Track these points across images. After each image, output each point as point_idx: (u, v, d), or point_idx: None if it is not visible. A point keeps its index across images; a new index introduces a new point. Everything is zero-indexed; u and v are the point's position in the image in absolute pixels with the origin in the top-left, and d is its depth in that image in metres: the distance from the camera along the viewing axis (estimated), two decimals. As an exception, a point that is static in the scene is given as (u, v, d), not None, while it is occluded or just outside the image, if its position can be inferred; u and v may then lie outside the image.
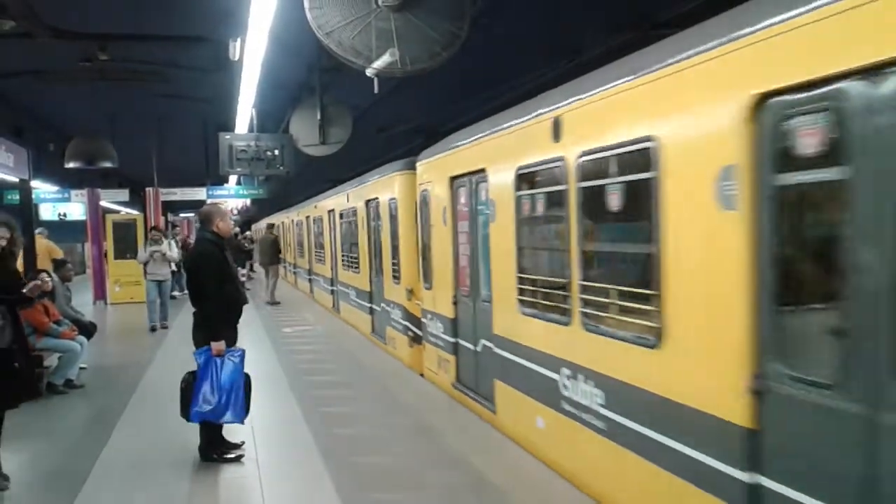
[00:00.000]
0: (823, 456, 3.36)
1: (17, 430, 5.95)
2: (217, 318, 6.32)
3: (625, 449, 4.98)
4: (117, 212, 27.16)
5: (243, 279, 12.38)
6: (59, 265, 11.84)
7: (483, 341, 7.87)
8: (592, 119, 5.44)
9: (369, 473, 6.01)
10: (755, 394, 3.73)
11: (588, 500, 5.35)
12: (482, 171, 7.59)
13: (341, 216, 16.35)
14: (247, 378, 6.46)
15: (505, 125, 7.09)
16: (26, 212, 13.04)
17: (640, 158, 4.72)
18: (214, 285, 6.25)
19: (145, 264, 15.13)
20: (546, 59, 9.18)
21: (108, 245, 20.85)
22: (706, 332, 4.17)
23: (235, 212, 38.01)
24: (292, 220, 28.21)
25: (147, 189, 22.85)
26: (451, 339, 8.94)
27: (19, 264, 7.84)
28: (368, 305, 13.77)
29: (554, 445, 6.16)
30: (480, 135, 7.74)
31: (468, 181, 8.16)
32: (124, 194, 24.38)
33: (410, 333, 10.95)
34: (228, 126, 16.39)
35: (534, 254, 6.71)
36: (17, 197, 13.25)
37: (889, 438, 3.04)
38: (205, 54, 12.03)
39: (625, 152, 4.95)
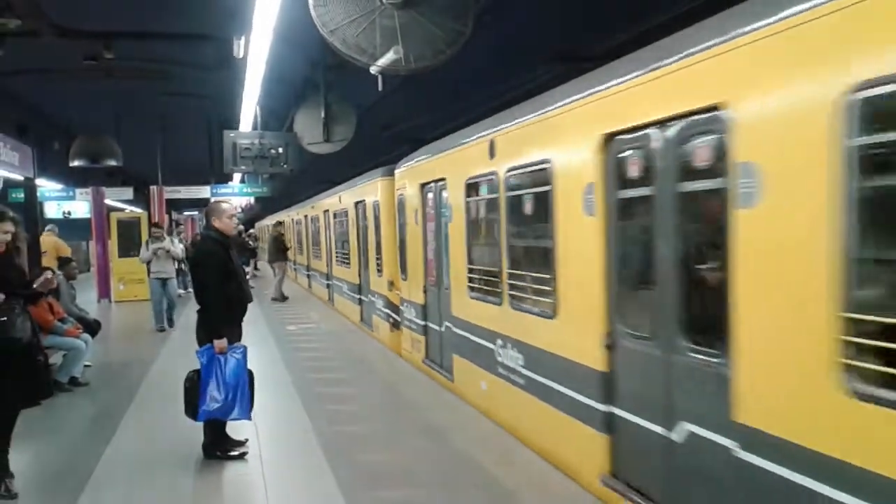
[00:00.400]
0: (645, 386, 4.96)
1: (21, 427, 5.94)
2: (219, 315, 6.32)
3: (535, 397, 6.62)
4: (122, 210, 27.21)
5: (248, 277, 12.43)
6: (63, 263, 11.86)
7: (445, 323, 9.30)
8: (514, 143, 7.00)
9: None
10: (607, 347, 5.36)
11: (512, 439, 6.74)
12: (443, 179, 9.14)
13: (335, 216, 17.77)
14: (250, 374, 6.49)
15: (459, 142, 8.67)
16: (31, 210, 13.07)
17: (542, 175, 6.31)
18: (216, 283, 6.27)
19: (149, 263, 14.67)
20: (548, 59, 9.16)
21: (113, 243, 20.86)
22: (580, 306, 5.78)
23: (239, 210, 38.06)
24: (292, 219, 28.31)
25: (151, 187, 22.90)
26: (422, 323, 10.43)
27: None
28: (358, 297, 15.36)
29: (493, 402, 7.70)
30: (442, 149, 9.33)
31: (434, 187, 9.62)
32: (129, 192, 24.45)
33: (391, 320, 12.39)
34: (233, 124, 16.42)
35: (478, 248, 8.22)
36: (22, 195, 13.27)
37: (677, 372, 4.57)
38: (209, 52, 12.06)
39: (534, 170, 6.52)
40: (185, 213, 42.74)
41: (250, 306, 6.80)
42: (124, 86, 14.70)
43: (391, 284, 12.30)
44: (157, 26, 11.12)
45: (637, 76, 4.87)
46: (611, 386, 5.36)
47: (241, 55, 10.28)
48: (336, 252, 17.90)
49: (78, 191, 22.32)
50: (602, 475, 5.45)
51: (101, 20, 10.81)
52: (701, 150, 4.36)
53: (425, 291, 10.21)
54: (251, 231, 39.54)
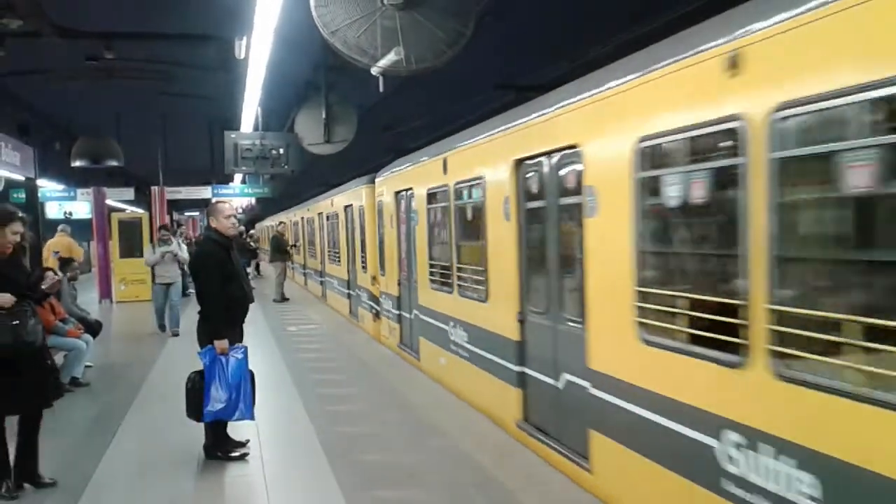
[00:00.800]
0: (543, 350, 6.63)
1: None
2: (219, 316, 6.33)
3: (474, 366, 8.31)
4: (123, 210, 27.24)
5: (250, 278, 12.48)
6: (65, 263, 11.85)
7: (414, 311, 10.97)
8: (460, 162, 8.64)
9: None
10: (520, 322, 7.06)
11: (467, 406, 8.19)
12: (411, 189, 10.71)
13: (327, 218, 19.50)
14: (251, 374, 6.50)
15: (422, 159, 10.32)
16: (32, 210, 13.08)
17: (479, 189, 7.96)
18: (216, 284, 6.29)
19: (153, 266, 14.29)
20: (550, 59, 9.17)
21: (114, 243, 20.86)
22: (503, 291, 7.39)
23: (240, 211, 38.05)
24: (291, 221, 28.47)
25: (153, 188, 22.92)
26: (397, 312, 12.16)
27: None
28: (346, 292, 17.13)
29: (449, 375, 9.30)
30: (410, 164, 11.07)
31: (405, 195, 11.20)
32: (130, 193, 24.47)
33: (374, 311, 14.07)
34: (234, 124, 16.42)
35: (436, 247, 9.79)
36: (24, 195, 13.28)
37: (559, 337, 6.30)
38: (210, 53, 12.05)
39: (473, 184, 8.20)
40: (187, 213, 42.77)
41: (251, 306, 6.81)
42: (125, 86, 14.71)
43: (374, 280, 13.91)
44: (158, 27, 11.13)
45: (533, 118, 6.63)
46: (522, 351, 7.11)
47: (242, 56, 10.29)
48: (329, 251, 19.52)
49: (79, 191, 22.34)
50: (517, 420, 7.13)
51: (102, 21, 10.82)
52: (568, 175, 6.05)
53: (399, 284, 11.87)
54: (252, 232, 39.48)
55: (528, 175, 6.84)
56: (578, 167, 5.64)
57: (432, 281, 9.77)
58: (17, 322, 5.49)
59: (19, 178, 11.76)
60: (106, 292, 20.89)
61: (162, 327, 14.39)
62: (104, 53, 11.36)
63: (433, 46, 7.65)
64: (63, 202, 22.97)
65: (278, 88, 13.42)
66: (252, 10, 8.10)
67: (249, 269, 25.06)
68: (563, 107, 5.96)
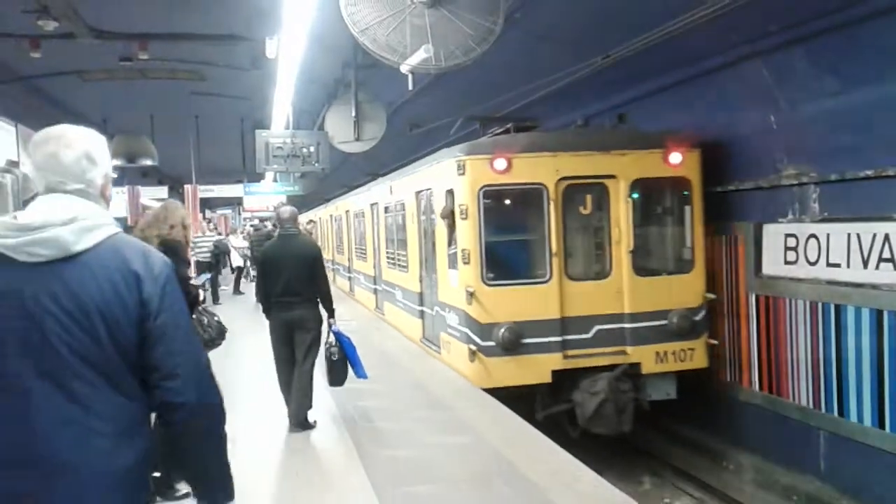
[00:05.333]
0: (429, 296, 10.89)
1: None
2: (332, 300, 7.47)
3: (403, 311, 12.74)
4: (157, 209, 27.56)
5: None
6: None
7: (382, 284, 15.03)
8: (396, 189, 12.87)
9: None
10: (420, 281, 11.33)
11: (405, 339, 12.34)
12: (377, 203, 14.88)
13: (335, 220, 23.25)
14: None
15: (380, 183, 14.79)
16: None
17: (403, 206, 12.22)
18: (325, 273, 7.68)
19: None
20: (579, 56, 9.10)
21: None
22: (413, 264, 11.67)
23: (271, 209, 38.39)
24: (320, 218, 28.77)
25: (185, 186, 23.19)
26: (373, 287, 16.20)
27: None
28: (348, 275, 20.80)
29: (394, 319, 13.67)
30: (376, 184, 15.46)
31: (376, 206, 15.06)
32: (164, 191, 24.76)
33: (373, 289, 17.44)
34: (265, 123, 16.56)
35: (390, 242, 13.95)
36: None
37: (430, 285, 10.85)
38: (242, 52, 12.19)
39: (401, 203, 12.45)
40: (219, 211, 43.22)
41: None
42: (159, 86, 14.92)
43: (374, 268, 16.96)
44: (191, 27, 11.27)
45: (418, 170, 11.32)
46: (421, 298, 11.41)
47: (273, 55, 10.38)
48: (335, 244, 22.46)
49: (115, 189, 22.62)
50: (421, 338, 11.47)
51: (135, 22, 10.99)
52: (431, 202, 10.40)
53: (374, 267, 15.77)
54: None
55: (420, 200, 11.12)
56: (429, 200, 10.46)
57: (390, 263, 13.96)
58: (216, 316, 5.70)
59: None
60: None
61: None
62: (138, 54, 11.54)
63: (462, 43, 7.63)
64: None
65: (309, 87, 13.52)
66: (282, 10, 8.17)
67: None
68: (425, 168, 10.71)
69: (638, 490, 9.09)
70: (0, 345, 2.13)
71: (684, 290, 9.08)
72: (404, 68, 7.76)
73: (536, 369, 8.67)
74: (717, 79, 8.81)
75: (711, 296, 9.19)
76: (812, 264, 8.07)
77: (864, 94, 7.22)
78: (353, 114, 12.76)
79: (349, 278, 20.45)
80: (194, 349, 2.39)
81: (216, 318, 5.65)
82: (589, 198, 9.42)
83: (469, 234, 8.80)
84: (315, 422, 7.30)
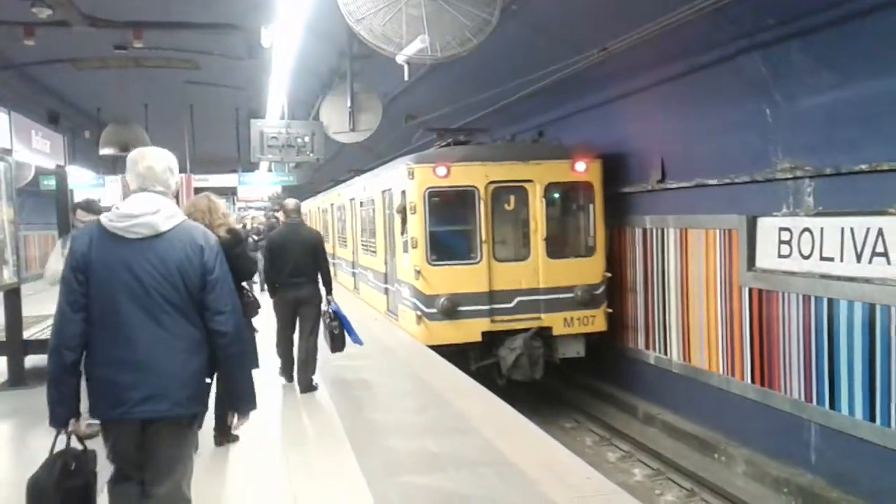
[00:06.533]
0: (391, 274, 13.22)
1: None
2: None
3: (373, 289, 15.04)
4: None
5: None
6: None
7: (358, 269, 17.40)
8: (367, 186, 15.29)
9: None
10: (385, 263, 13.62)
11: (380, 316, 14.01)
12: (354, 198, 17.30)
13: (322, 211, 25.93)
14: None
15: (354, 182, 17.57)
16: (62, 197, 13.24)
17: (372, 201, 14.73)
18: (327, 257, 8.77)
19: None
20: (575, 49, 9.11)
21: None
22: (380, 249, 13.98)
23: (266, 199, 38.31)
24: (319, 209, 28.80)
25: (180, 175, 23.06)
26: (352, 270, 18.59)
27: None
28: (333, 262, 21.55)
29: (371, 298, 15.50)
30: (353, 182, 18.02)
31: (353, 201, 17.43)
32: (157, 180, 24.65)
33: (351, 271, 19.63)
34: (260, 113, 16.50)
35: (364, 231, 16.15)
36: (53, 183, 13.44)
37: (392, 268, 13.20)
38: (237, 42, 12.13)
39: (371, 199, 14.87)
40: (213, 201, 43.03)
41: None
42: (153, 75, 14.85)
43: (353, 255, 18.97)
44: (186, 16, 11.22)
45: (382, 173, 13.76)
46: (387, 277, 13.51)
47: (268, 45, 10.34)
48: (338, 237, 23.42)
49: (107, 178, 22.54)
50: (386, 310, 13.65)
51: (130, 10, 10.92)
52: (391, 199, 12.56)
53: (353, 254, 18.12)
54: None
55: (385, 197, 13.19)
56: (390, 197, 12.59)
57: (364, 249, 16.18)
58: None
59: (49, 165, 11.90)
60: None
61: None
62: (133, 42, 11.46)
63: (458, 34, 7.63)
64: (92, 189, 23.14)
65: (304, 77, 13.48)
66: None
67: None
68: (384, 173, 13.57)
69: (630, 481, 9.31)
70: (116, 293, 3.41)
71: (587, 270, 11.48)
72: (400, 59, 7.74)
73: (469, 331, 11.04)
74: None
75: (608, 274, 11.61)
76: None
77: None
78: (349, 104, 12.74)
79: (333, 264, 22.01)
80: (233, 299, 3.68)
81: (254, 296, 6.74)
82: (512, 197, 11.64)
83: (417, 225, 11.15)
84: (317, 384, 8.34)
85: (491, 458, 6.00)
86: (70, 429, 3.49)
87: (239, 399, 3.74)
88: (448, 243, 11.45)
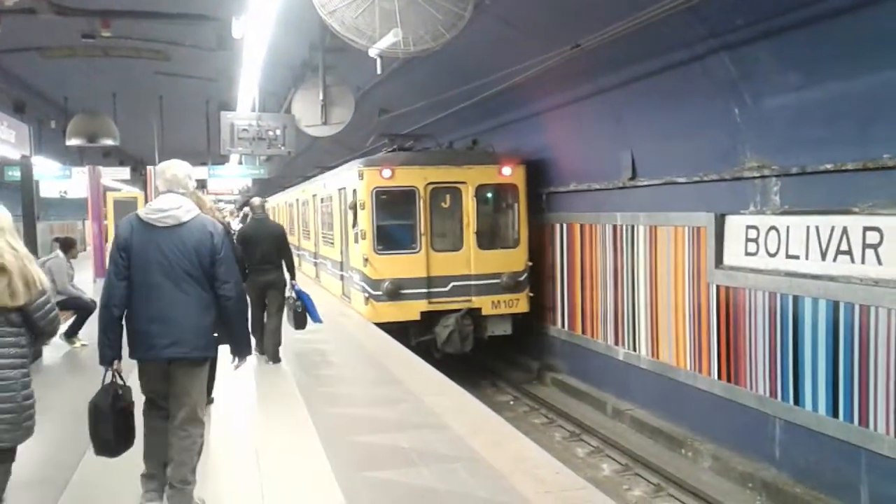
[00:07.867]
0: (346, 262, 15.15)
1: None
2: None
3: (331, 276, 16.97)
4: (118, 190, 27.13)
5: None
6: (69, 244, 11.52)
7: (319, 258, 19.00)
8: (329, 183, 16.76)
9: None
10: (340, 253, 15.32)
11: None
12: (316, 195, 18.76)
13: (288, 205, 27.62)
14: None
15: (319, 180, 18.60)
16: (27, 189, 13.03)
17: (332, 197, 16.22)
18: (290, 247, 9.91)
19: None
20: (548, 45, 9.13)
21: (110, 223, 20.79)
22: (338, 241, 15.57)
23: (236, 192, 37.99)
24: (286, 203, 28.79)
25: (149, 167, 22.80)
26: (314, 261, 20.18)
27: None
28: (297, 253, 22.91)
29: (329, 284, 17.10)
30: (316, 179, 19.49)
31: (316, 197, 18.92)
32: (125, 172, 24.30)
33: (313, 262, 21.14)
34: (231, 105, 16.32)
35: (325, 225, 17.50)
36: (18, 174, 13.22)
37: (347, 257, 14.81)
38: (208, 32, 11.97)
39: (332, 195, 16.23)
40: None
41: None
42: (122, 65, 14.63)
43: (314, 246, 20.41)
44: (156, 5, 11.06)
45: (339, 173, 15.57)
46: (342, 265, 15.03)
47: (239, 36, 10.21)
48: (302, 230, 25.27)
49: (74, 170, 22.18)
50: (341, 294, 15.32)
51: (99, -2, 10.74)
52: (347, 196, 14.17)
53: (315, 245, 19.71)
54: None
55: (341, 194, 14.78)
56: (351, 194, 13.66)
57: (324, 241, 17.50)
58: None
59: (15, 156, 11.70)
60: (101, 271, 20.80)
61: None
62: (101, 31, 11.27)
63: (431, 29, 7.61)
64: (58, 180, 22.76)
65: (276, 69, 13.35)
66: (250, -10, 8.03)
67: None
68: (344, 173, 14.62)
69: (598, 476, 9.40)
70: (149, 266, 4.57)
71: (512, 260, 13.46)
72: (372, 52, 7.71)
73: (410, 311, 12.91)
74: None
75: (530, 263, 13.53)
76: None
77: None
78: (321, 97, 12.64)
79: (298, 255, 23.89)
80: (236, 272, 4.91)
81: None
82: (448, 196, 13.41)
83: (366, 219, 13.06)
84: (280, 358, 9.44)
85: (462, 454, 6.02)
86: (115, 366, 4.62)
87: (239, 344, 4.97)
88: (392, 235, 13.29)
